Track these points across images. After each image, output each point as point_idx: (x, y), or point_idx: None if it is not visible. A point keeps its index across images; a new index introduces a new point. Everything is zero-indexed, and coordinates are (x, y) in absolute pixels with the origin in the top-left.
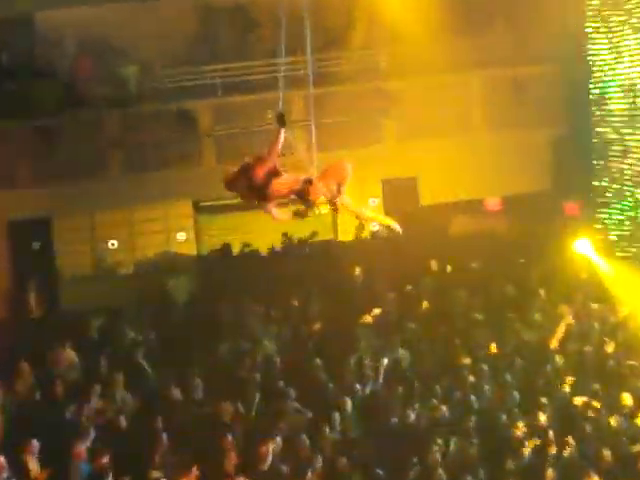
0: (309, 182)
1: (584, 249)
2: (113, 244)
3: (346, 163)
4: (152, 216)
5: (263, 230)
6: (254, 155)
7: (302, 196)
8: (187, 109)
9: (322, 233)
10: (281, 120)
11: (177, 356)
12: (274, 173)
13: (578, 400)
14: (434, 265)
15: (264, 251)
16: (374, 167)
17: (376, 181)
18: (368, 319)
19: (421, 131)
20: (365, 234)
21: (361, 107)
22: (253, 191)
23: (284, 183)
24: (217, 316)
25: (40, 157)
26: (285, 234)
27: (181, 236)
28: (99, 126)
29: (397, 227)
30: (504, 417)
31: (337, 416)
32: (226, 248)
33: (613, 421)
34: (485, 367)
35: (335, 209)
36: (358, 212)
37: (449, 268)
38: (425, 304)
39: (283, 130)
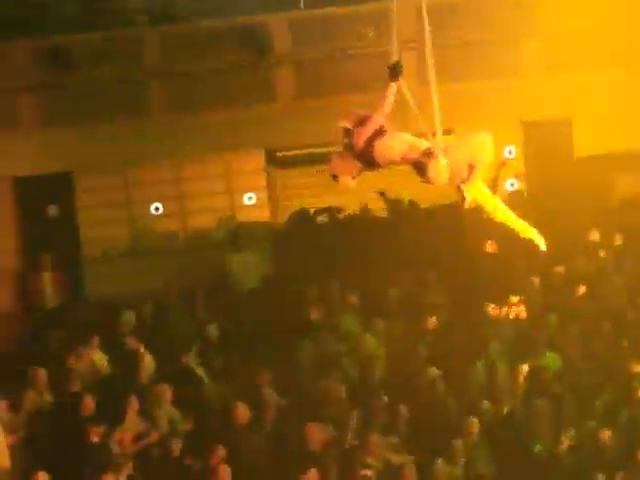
0: (429, 154)
1: None
2: (157, 209)
3: (486, 136)
4: (210, 172)
5: (361, 189)
6: (356, 116)
7: (419, 170)
8: (256, 25)
9: (442, 194)
10: (395, 71)
11: (243, 360)
12: (379, 133)
13: None
14: (594, 236)
15: (361, 219)
16: (511, 104)
17: (514, 123)
18: (502, 311)
19: (578, 56)
20: (500, 195)
21: (495, 22)
22: (359, 158)
23: (393, 147)
24: (298, 306)
25: (55, 89)
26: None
27: (250, 198)
28: (137, 50)
29: (541, 243)
30: None
31: (459, 443)
32: (311, 214)
33: None
34: None
35: (462, 199)
36: (491, 211)
37: (617, 240)
38: (581, 290)
39: (395, 84)
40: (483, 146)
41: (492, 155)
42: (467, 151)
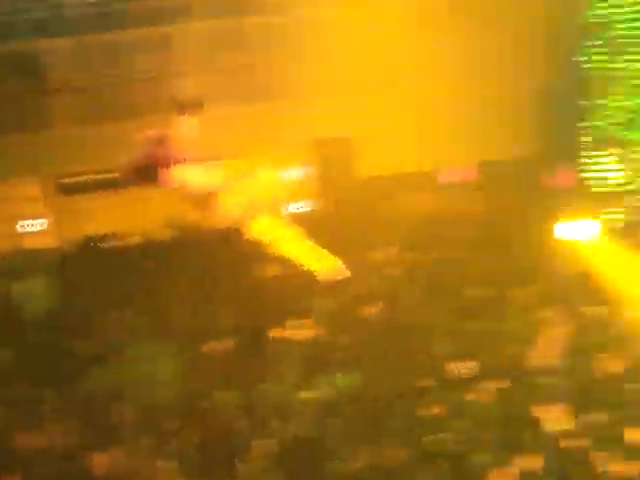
0: (213, 195)
1: (580, 233)
2: None
3: (272, 173)
4: None
5: (146, 215)
6: (159, 134)
7: (205, 205)
8: (34, 51)
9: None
10: (182, 107)
11: (30, 390)
12: (172, 160)
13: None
14: (383, 254)
15: (147, 244)
16: (302, 127)
17: (304, 146)
18: (291, 334)
19: (352, 81)
20: (289, 218)
21: (274, 46)
22: (146, 173)
23: (180, 177)
24: (85, 333)
25: None
26: (173, 220)
27: (33, 225)
28: None
29: (342, 269)
30: (482, 459)
31: (241, 467)
32: (97, 240)
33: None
34: (452, 393)
35: (246, 232)
36: (276, 245)
37: (407, 256)
38: (369, 310)
39: (183, 118)
40: (268, 184)
41: (277, 192)
42: (253, 188)
